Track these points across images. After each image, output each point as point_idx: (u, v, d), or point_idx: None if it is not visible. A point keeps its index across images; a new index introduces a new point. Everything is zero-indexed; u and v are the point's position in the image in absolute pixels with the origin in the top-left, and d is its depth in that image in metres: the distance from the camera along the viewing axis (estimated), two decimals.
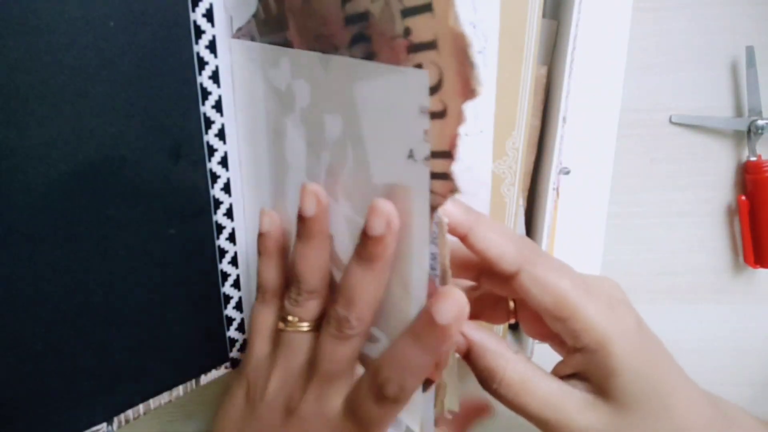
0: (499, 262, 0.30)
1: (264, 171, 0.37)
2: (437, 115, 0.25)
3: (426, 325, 0.28)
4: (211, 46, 0.34)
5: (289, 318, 0.33)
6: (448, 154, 0.26)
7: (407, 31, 0.25)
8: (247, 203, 0.39)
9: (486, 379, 0.32)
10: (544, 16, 0.36)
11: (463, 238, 0.30)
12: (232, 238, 0.38)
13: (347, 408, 0.32)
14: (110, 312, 0.34)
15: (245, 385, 0.35)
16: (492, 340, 0.32)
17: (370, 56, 0.27)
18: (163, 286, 0.35)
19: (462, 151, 0.32)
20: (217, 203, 0.37)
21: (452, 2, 0.23)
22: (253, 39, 0.34)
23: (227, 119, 0.36)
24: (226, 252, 0.38)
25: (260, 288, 0.36)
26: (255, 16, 0.34)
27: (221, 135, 0.36)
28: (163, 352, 0.37)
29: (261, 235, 0.36)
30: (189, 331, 0.37)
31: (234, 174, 0.37)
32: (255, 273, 0.40)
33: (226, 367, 0.40)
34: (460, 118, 0.25)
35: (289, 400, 0.33)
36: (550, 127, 0.38)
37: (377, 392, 0.30)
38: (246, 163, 0.38)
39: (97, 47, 0.29)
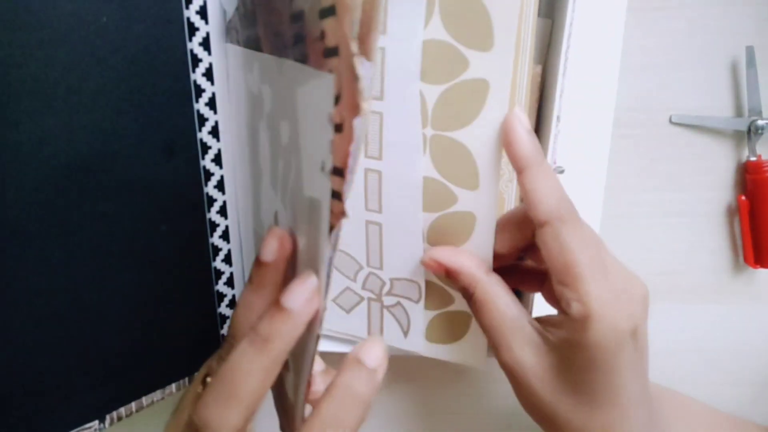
0: (536, 207, 0.30)
1: (247, 175, 0.37)
2: (338, 128, 0.23)
3: (355, 370, 0.27)
4: (205, 44, 0.34)
5: (209, 380, 0.29)
6: (341, 172, 0.23)
7: (322, 35, 0.23)
8: (240, 203, 0.39)
9: (464, 297, 0.34)
10: (538, 14, 0.36)
11: (519, 172, 0.30)
12: (225, 235, 0.38)
13: None
14: (102, 309, 0.34)
15: None
16: (466, 261, 0.33)
17: (304, 58, 0.25)
18: (156, 283, 0.35)
19: None
20: (211, 201, 0.37)
21: (350, 6, 0.20)
22: (237, 32, 0.34)
23: (221, 116, 0.36)
24: (220, 250, 0.38)
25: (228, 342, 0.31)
26: (237, 9, 0.34)
27: (215, 132, 0.36)
28: (156, 350, 0.37)
29: (262, 266, 0.30)
30: (182, 328, 0.37)
31: (228, 171, 0.37)
32: (247, 272, 0.40)
33: None
34: (351, 136, 0.22)
35: None
36: (545, 126, 0.38)
37: None
38: (237, 163, 0.38)
39: (89, 43, 0.30)
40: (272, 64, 0.28)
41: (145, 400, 0.37)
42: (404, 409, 0.51)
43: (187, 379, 0.38)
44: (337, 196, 0.24)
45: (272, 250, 0.28)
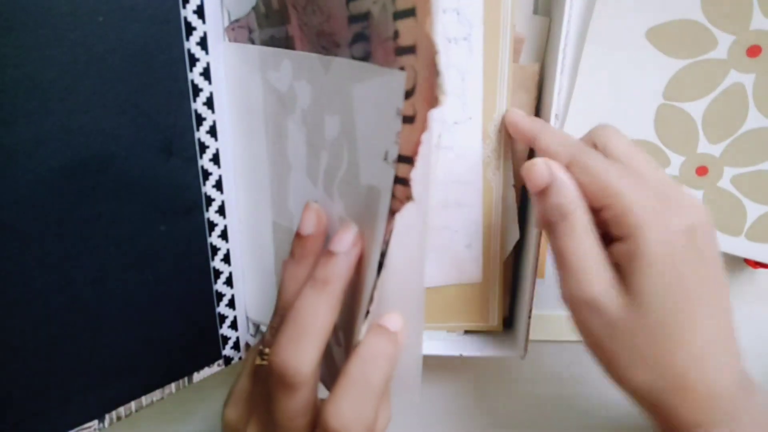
0: (556, 157, 0.32)
1: (263, 171, 0.37)
2: (408, 119, 0.25)
3: (377, 335, 0.29)
4: (202, 43, 0.34)
5: (266, 351, 0.31)
6: (410, 160, 0.25)
7: (396, 34, 0.25)
8: (241, 202, 0.39)
9: (554, 212, 0.32)
10: (536, 13, 0.36)
11: (531, 142, 0.35)
12: (224, 235, 0.38)
13: None
14: (101, 309, 0.34)
15: (231, 428, 0.34)
16: (573, 181, 0.32)
17: (367, 56, 0.27)
18: (155, 283, 0.35)
19: (453, 139, 0.32)
20: (209, 200, 0.37)
21: (431, 9, 0.23)
22: (251, 31, 0.35)
23: (219, 116, 0.36)
24: (218, 249, 0.38)
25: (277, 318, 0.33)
26: (255, 8, 0.34)
27: (213, 132, 0.36)
28: (155, 350, 0.37)
29: (303, 239, 0.32)
30: (181, 328, 0.37)
31: (226, 171, 0.37)
32: (247, 271, 0.40)
33: (219, 365, 0.40)
34: (424, 126, 0.24)
35: None
36: None
37: None
38: (241, 161, 0.38)
39: (86, 43, 0.30)
40: (314, 62, 0.30)
41: (144, 399, 0.37)
42: (402, 409, 0.51)
43: (186, 378, 0.38)
44: (403, 182, 0.26)
45: (311, 223, 0.31)
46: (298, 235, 0.31)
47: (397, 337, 0.29)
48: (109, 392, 0.35)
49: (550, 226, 0.32)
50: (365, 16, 0.26)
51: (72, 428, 0.34)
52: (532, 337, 0.40)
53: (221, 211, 0.37)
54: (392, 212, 0.27)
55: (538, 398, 0.50)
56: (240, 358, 0.41)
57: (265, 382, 0.31)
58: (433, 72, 0.23)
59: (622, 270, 0.31)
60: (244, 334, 0.41)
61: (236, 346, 0.41)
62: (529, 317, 0.40)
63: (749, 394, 0.32)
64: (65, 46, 0.29)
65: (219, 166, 0.37)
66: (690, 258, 0.30)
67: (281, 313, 0.31)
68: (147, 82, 0.32)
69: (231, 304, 0.40)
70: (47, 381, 0.33)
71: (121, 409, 0.36)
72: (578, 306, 0.32)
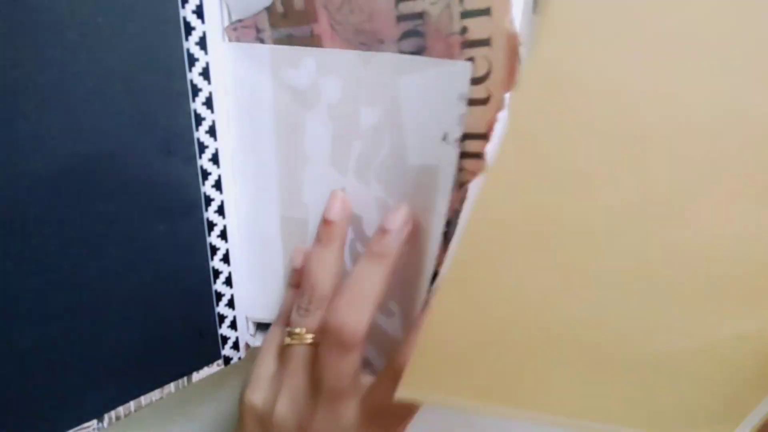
0: None
1: (269, 169, 0.38)
2: (481, 101, 0.30)
3: (374, 246, 0.32)
4: (202, 43, 0.34)
5: (296, 330, 0.34)
6: (485, 136, 0.30)
7: (464, 30, 0.29)
8: (242, 201, 0.39)
9: None
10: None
11: None
12: (223, 235, 0.38)
13: (365, 412, 0.32)
14: (100, 309, 0.34)
15: (252, 410, 0.35)
16: None
17: (420, 50, 0.31)
18: (154, 282, 0.35)
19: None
20: (209, 200, 0.37)
21: (509, 8, 0.28)
22: (259, 31, 0.35)
23: (218, 116, 0.36)
24: (218, 249, 0.38)
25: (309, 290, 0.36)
26: (269, 8, 0.35)
27: (212, 132, 0.36)
28: (154, 349, 0.37)
29: (329, 224, 0.35)
30: (180, 328, 0.37)
31: (225, 171, 0.37)
32: (246, 271, 0.40)
33: (218, 365, 0.40)
34: (500, 105, 0.29)
35: (300, 421, 0.33)
36: None
37: (395, 376, 0.30)
38: (242, 161, 0.38)
39: (85, 43, 0.30)
40: (351, 58, 0.33)
41: (143, 399, 0.37)
42: None
43: (185, 378, 0.38)
44: (478, 156, 0.30)
45: (338, 210, 0.35)
46: (325, 221, 0.34)
47: (399, 235, 0.32)
48: (108, 392, 0.35)
49: None
50: (419, 15, 0.30)
51: (71, 428, 0.34)
52: None
53: (220, 210, 0.37)
54: (462, 184, 0.31)
55: None
56: (240, 358, 0.41)
57: (296, 360, 0.34)
58: (515, 60, 0.28)
59: None
60: (243, 334, 0.41)
61: (236, 346, 0.41)
62: None
63: None
64: (64, 46, 0.29)
65: (218, 166, 0.37)
66: None
67: (309, 292, 0.34)
68: (146, 82, 0.32)
69: (230, 304, 0.40)
70: (46, 380, 0.33)
71: (121, 409, 0.36)
72: None
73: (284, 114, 0.36)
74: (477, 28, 0.29)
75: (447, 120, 0.31)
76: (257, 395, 0.35)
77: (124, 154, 0.32)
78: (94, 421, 0.35)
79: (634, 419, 0.30)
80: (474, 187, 0.31)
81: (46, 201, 0.30)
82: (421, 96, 0.31)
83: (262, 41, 0.35)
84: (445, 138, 0.31)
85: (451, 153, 0.31)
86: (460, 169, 0.31)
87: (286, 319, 0.37)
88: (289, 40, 0.35)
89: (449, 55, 0.30)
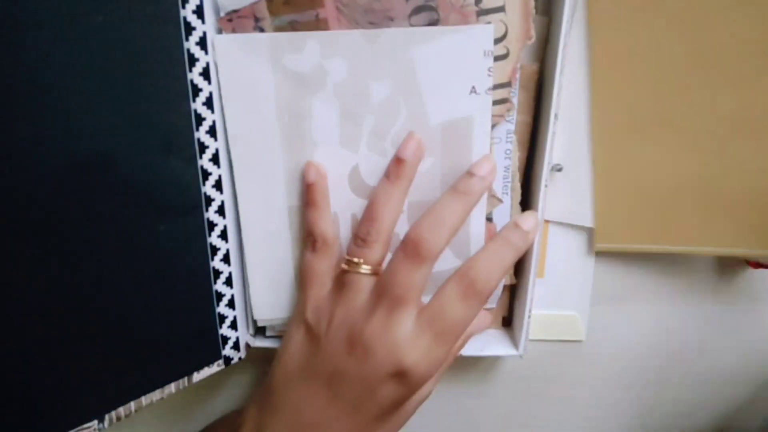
0: None
1: (274, 160, 0.38)
2: (501, 57, 0.36)
3: (513, 229, 0.36)
4: (202, 43, 0.34)
5: (354, 260, 0.36)
6: (508, 84, 0.37)
7: (478, 1, 0.35)
8: (242, 194, 0.39)
9: None
10: (536, 12, 0.36)
11: None
12: (224, 235, 0.38)
13: (424, 320, 0.34)
14: (100, 309, 0.34)
15: (304, 327, 0.37)
16: None
17: (434, 22, 0.35)
18: (154, 283, 0.35)
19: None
20: (209, 200, 0.37)
21: None
22: (258, 20, 0.35)
23: (218, 116, 0.36)
24: (218, 249, 0.38)
25: (312, 237, 0.38)
26: None
27: (212, 132, 0.36)
28: (155, 350, 0.37)
29: (309, 186, 0.37)
30: (181, 328, 0.37)
31: (225, 171, 0.37)
32: (247, 271, 0.40)
33: (218, 365, 0.40)
34: (518, 57, 0.36)
35: (352, 330, 0.35)
36: (542, 123, 0.38)
37: (466, 290, 0.34)
38: (244, 156, 0.38)
39: (85, 43, 0.30)
40: (355, 37, 0.35)
41: (144, 399, 0.37)
42: None
43: (186, 378, 0.38)
44: (504, 101, 0.37)
45: (412, 150, 0.36)
46: (397, 159, 0.36)
47: (529, 235, 0.36)
48: (109, 392, 0.35)
49: None
50: None
51: (72, 428, 0.34)
52: (531, 337, 0.40)
53: (221, 211, 0.37)
54: (494, 125, 0.37)
55: (538, 398, 0.50)
56: (240, 358, 0.41)
57: (353, 285, 0.36)
58: (528, 19, 0.35)
59: None
60: (243, 334, 0.41)
61: (236, 346, 0.41)
62: (529, 317, 0.40)
63: None
64: (65, 46, 0.29)
65: (219, 166, 0.37)
66: None
67: (369, 224, 0.36)
68: (146, 82, 0.32)
69: (231, 304, 0.40)
70: (47, 381, 0.33)
71: (121, 409, 0.36)
72: None
73: (287, 101, 0.36)
74: None
75: (474, 74, 0.35)
76: (311, 313, 0.37)
77: (124, 155, 0.32)
78: (95, 421, 0.35)
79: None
80: (503, 126, 0.37)
81: (46, 201, 0.30)
82: (441, 59, 0.35)
83: (261, 30, 0.35)
84: (473, 90, 0.35)
85: (484, 101, 0.36)
86: (492, 115, 0.36)
87: (316, 245, 0.38)
88: (292, 27, 0.35)
89: (465, 23, 0.35)
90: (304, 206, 0.38)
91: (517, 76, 0.36)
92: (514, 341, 0.42)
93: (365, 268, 0.35)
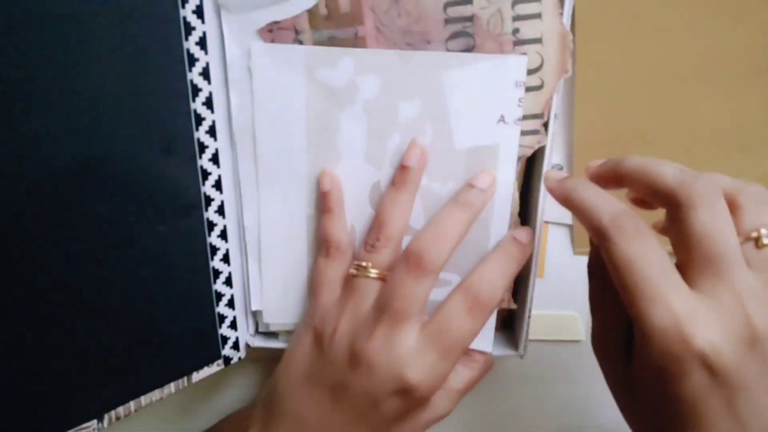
0: (588, 222, 0.29)
1: (299, 167, 0.38)
2: (535, 88, 0.36)
3: (512, 242, 0.36)
4: (201, 43, 0.34)
5: (363, 263, 0.36)
6: (540, 116, 0.36)
7: (516, 30, 0.35)
8: (264, 199, 0.39)
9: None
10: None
11: (563, 202, 0.32)
12: (223, 235, 0.38)
13: (428, 335, 0.34)
14: (100, 309, 0.34)
15: (312, 333, 0.37)
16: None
17: (470, 48, 0.35)
18: (154, 282, 0.35)
19: None
20: (209, 200, 0.37)
21: (557, 13, 0.35)
22: (298, 33, 0.35)
23: (218, 116, 0.36)
24: (218, 249, 0.38)
25: (326, 244, 0.38)
26: (311, 10, 0.35)
27: (212, 132, 0.36)
28: (154, 349, 0.37)
29: (325, 194, 0.37)
30: (180, 328, 0.37)
31: (225, 171, 0.37)
32: (246, 271, 0.40)
33: (218, 365, 0.40)
34: (554, 89, 0.36)
35: (354, 344, 0.34)
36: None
37: (472, 303, 0.34)
38: (272, 161, 0.38)
39: (85, 43, 0.30)
40: (390, 57, 0.36)
41: (143, 399, 0.37)
42: None
43: (185, 378, 0.38)
44: (535, 132, 0.37)
45: (416, 157, 0.36)
46: (402, 167, 0.36)
47: (526, 248, 0.36)
48: (108, 392, 0.35)
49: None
50: (469, 18, 0.35)
51: (71, 428, 0.34)
52: (531, 337, 0.40)
53: (221, 210, 0.37)
54: (519, 158, 0.37)
55: (538, 398, 0.50)
56: (240, 358, 0.41)
57: (361, 290, 0.36)
58: (566, 53, 0.35)
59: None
60: (243, 334, 0.41)
61: (236, 346, 0.41)
62: (529, 317, 0.40)
63: None
64: (64, 46, 0.29)
65: (218, 166, 0.37)
66: (702, 391, 0.26)
67: (378, 230, 0.36)
68: (146, 82, 0.32)
69: (230, 304, 0.40)
70: (46, 380, 0.33)
71: (120, 409, 0.36)
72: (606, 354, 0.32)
73: (317, 113, 0.37)
74: (529, 29, 0.35)
75: (504, 104, 0.36)
76: (319, 319, 0.37)
77: (123, 155, 0.32)
78: (94, 421, 0.35)
79: None
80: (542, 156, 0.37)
81: (46, 201, 0.30)
82: (471, 86, 0.36)
83: (300, 42, 0.36)
84: (502, 119, 0.36)
85: (512, 131, 0.36)
86: (520, 145, 0.36)
87: (329, 250, 0.38)
88: (330, 42, 0.36)
89: (500, 51, 0.35)
90: (320, 213, 0.38)
91: (552, 108, 0.36)
92: (514, 341, 0.42)
93: (373, 272, 0.35)
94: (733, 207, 0.27)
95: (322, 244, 0.38)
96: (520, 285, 0.42)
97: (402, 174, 0.36)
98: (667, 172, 0.28)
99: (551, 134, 0.36)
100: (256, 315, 0.42)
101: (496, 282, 0.34)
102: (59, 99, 0.29)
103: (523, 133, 0.36)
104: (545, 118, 0.36)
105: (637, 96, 0.40)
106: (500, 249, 0.36)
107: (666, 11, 0.38)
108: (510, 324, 0.44)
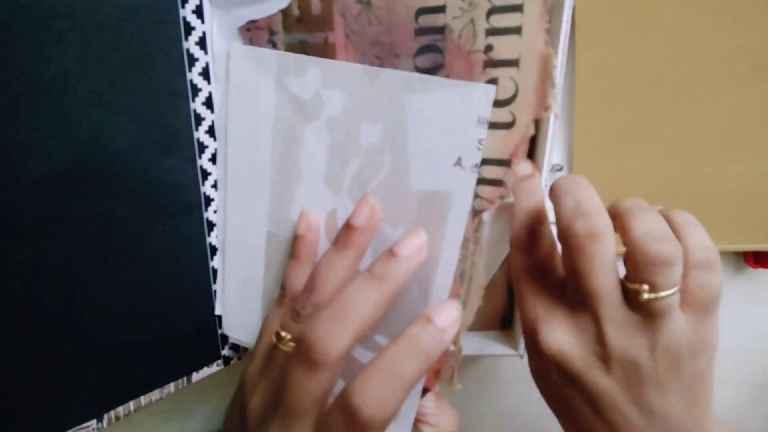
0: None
1: (263, 180, 0.36)
2: (504, 125, 0.29)
3: (423, 325, 0.29)
4: (201, 43, 0.34)
5: (282, 334, 0.32)
6: (506, 162, 0.29)
7: (488, 48, 0.28)
8: (230, 203, 0.38)
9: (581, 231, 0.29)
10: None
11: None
12: None
13: None
14: (99, 308, 0.34)
15: (243, 384, 0.35)
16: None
17: (438, 66, 0.30)
18: (153, 282, 0.35)
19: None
20: (208, 200, 0.37)
21: (542, 28, 0.27)
22: (272, 33, 0.34)
23: (218, 116, 0.36)
24: (218, 249, 0.38)
25: (282, 290, 0.34)
26: (284, 10, 0.34)
27: (212, 132, 0.36)
28: (154, 350, 0.37)
29: (297, 238, 0.34)
30: (179, 328, 0.37)
31: (221, 171, 0.37)
32: (224, 285, 0.39)
33: (218, 365, 0.40)
34: (527, 130, 0.29)
35: (259, 428, 0.31)
36: (541, 123, 0.38)
37: (350, 422, 0.28)
38: (238, 170, 0.37)
39: (83, 42, 0.30)
40: (357, 72, 0.31)
41: (143, 399, 0.37)
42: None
43: (185, 378, 0.38)
44: (497, 183, 0.30)
45: (364, 216, 0.31)
46: (347, 225, 0.31)
47: (443, 335, 0.29)
48: (108, 392, 0.35)
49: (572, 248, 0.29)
50: (440, 30, 0.29)
51: (70, 428, 0.34)
52: None
53: None
54: (477, 212, 0.30)
55: (538, 398, 0.50)
56: (239, 358, 0.41)
57: (276, 364, 0.31)
58: (547, 83, 0.28)
59: None
60: None
61: (235, 346, 0.41)
62: None
63: None
64: (63, 45, 0.29)
65: (221, 164, 0.37)
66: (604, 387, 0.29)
67: (307, 296, 0.32)
68: (145, 82, 0.32)
69: None
70: (45, 380, 0.33)
71: (120, 409, 0.36)
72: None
73: (284, 124, 0.34)
74: (504, 47, 0.28)
75: (463, 144, 0.28)
76: (244, 383, 0.34)
77: (123, 154, 0.32)
78: (94, 421, 0.35)
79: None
80: (488, 216, 0.30)
81: (45, 201, 0.30)
82: (432, 117, 0.29)
83: (273, 44, 0.35)
84: (459, 163, 0.29)
85: (468, 179, 0.28)
86: (476, 196, 0.29)
87: (283, 299, 0.34)
88: (301, 46, 0.34)
89: (469, 73, 0.29)
90: (289, 255, 0.35)
91: (522, 154, 0.29)
92: (514, 341, 0.42)
93: (291, 346, 0.31)
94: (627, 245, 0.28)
95: (281, 289, 0.35)
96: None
97: (346, 234, 0.31)
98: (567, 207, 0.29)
99: (551, 134, 0.36)
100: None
101: (385, 396, 0.28)
102: (59, 98, 0.29)
103: (484, 182, 0.30)
104: (510, 166, 0.30)
105: (637, 96, 0.40)
106: (405, 337, 0.29)
107: (666, 11, 0.38)
108: (510, 324, 0.44)
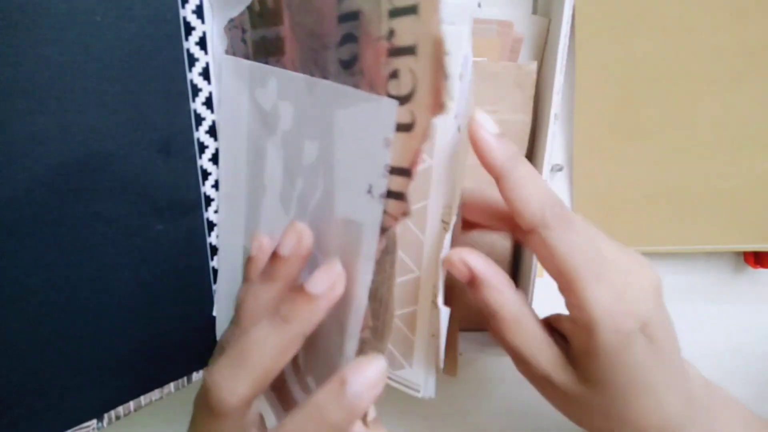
0: (519, 216, 0.28)
1: (240, 193, 0.35)
2: (404, 127, 0.24)
3: (335, 392, 0.25)
4: (202, 43, 0.34)
5: (202, 372, 0.30)
6: (407, 172, 0.25)
7: (391, 33, 0.23)
8: (219, 210, 0.37)
9: (483, 311, 0.31)
10: (535, 12, 0.36)
11: (496, 181, 0.28)
12: None
13: None
14: (99, 309, 0.34)
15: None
16: (495, 275, 0.30)
17: (355, 59, 0.26)
18: (153, 282, 0.35)
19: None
20: (208, 200, 0.37)
21: (438, 6, 0.21)
22: (243, 32, 0.34)
23: (218, 116, 0.36)
24: (218, 249, 0.38)
25: (236, 313, 0.32)
26: (249, 7, 0.33)
27: (212, 132, 0.36)
28: (154, 349, 0.37)
29: (249, 260, 0.33)
30: (179, 328, 0.37)
31: (222, 172, 0.37)
32: (221, 296, 0.39)
33: None
34: (425, 135, 0.24)
35: None
36: (541, 123, 0.38)
37: None
38: (223, 172, 0.36)
39: (83, 42, 0.30)
40: (299, 83, 0.28)
41: (143, 399, 0.37)
42: (403, 409, 0.51)
43: (185, 378, 0.38)
44: (399, 196, 0.25)
45: (290, 245, 0.28)
46: (273, 254, 0.29)
47: (359, 402, 0.25)
48: (108, 392, 0.35)
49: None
50: (355, 15, 0.24)
51: (70, 428, 0.34)
52: None
53: None
54: (384, 230, 0.26)
55: (538, 398, 0.50)
56: None
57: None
58: (440, 75, 0.22)
59: (573, 346, 0.31)
60: None
61: None
62: None
63: None
64: (62, 45, 0.29)
65: (218, 166, 0.37)
66: (644, 352, 0.29)
67: (236, 323, 0.30)
68: (145, 82, 0.32)
69: None
70: (45, 380, 0.33)
71: (120, 409, 0.36)
72: (533, 380, 0.33)
73: (254, 136, 0.33)
74: (404, 31, 0.23)
75: (372, 170, 0.25)
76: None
77: (122, 154, 0.32)
78: (94, 421, 0.35)
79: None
80: (398, 232, 0.27)
81: (45, 201, 0.30)
82: (351, 137, 0.27)
83: (244, 42, 0.34)
84: (369, 190, 0.26)
85: (375, 209, 0.26)
86: (385, 212, 0.26)
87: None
88: (263, 42, 0.33)
89: (376, 66, 0.24)
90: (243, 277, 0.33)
91: (421, 160, 0.25)
92: None
93: None
94: None
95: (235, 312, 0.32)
96: (520, 285, 0.42)
97: (271, 264, 0.29)
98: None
99: (551, 134, 0.36)
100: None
101: (228, 387, 0.26)
102: (59, 98, 0.29)
103: (389, 194, 0.26)
104: (412, 177, 0.25)
105: (637, 95, 0.40)
106: (310, 406, 0.26)
107: (666, 11, 0.38)
108: None
